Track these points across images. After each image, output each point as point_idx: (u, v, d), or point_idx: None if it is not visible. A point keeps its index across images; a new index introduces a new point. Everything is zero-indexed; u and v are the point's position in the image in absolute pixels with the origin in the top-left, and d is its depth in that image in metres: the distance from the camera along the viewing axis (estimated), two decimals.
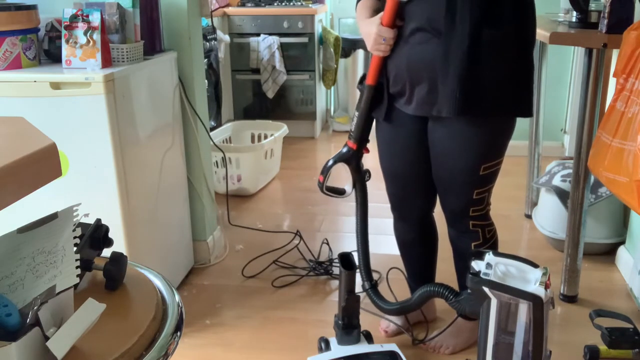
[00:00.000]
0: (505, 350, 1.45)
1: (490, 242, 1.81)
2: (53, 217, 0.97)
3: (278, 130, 3.59)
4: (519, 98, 1.64)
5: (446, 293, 1.59)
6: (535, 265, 1.37)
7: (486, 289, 1.39)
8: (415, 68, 1.62)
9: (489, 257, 1.42)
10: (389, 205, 1.96)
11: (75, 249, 0.92)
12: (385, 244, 2.77)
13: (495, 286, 1.38)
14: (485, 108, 1.59)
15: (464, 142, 1.65)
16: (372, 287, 1.88)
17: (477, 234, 1.78)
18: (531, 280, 1.37)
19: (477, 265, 1.42)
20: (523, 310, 1.37)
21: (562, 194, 2.55)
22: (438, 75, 1.58)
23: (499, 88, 1.59)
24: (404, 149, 1.80)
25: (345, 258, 1.86)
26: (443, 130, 1.67)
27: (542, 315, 1.34)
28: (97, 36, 1.80)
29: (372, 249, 2.64)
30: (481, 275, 1.40)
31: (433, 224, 1.97)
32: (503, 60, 1.57)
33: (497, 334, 1.44)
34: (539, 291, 1.33)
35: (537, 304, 1.33)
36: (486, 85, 1.57)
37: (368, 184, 1.88)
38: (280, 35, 4.29)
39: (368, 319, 2.09)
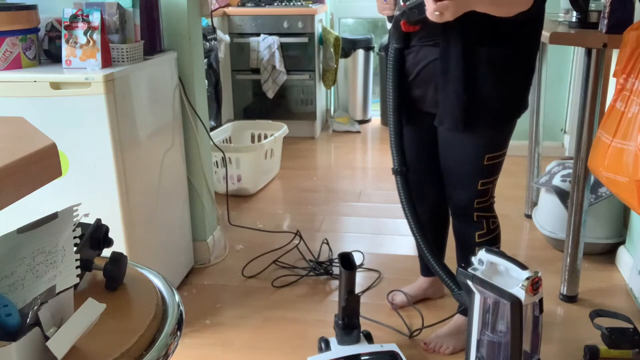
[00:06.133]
0: (490, 347, 1.45)
1: (494, 233, 1.85)
2: (53, 217, 0.97)
3: (278, 130, 3.59)
4: (518, 105, 1.72)
5: (452, 285, 1.61)
6: (524, 268, 1.37)
7: (470, 283, 1.41)
8: (421, 69, 1.70)
9: (482, 253, 1.43)
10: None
11: (75, 249, 0.92)
12: (385, 244, 2.77)
13: (479, 282, 1.39)
14: (485, 121, 1.67)
15: (468, 134, 1.70)
16: (399, 173, 1.77)
17: (481, 224, 1.82)
18: (517, 282, 1.37)
19: (474, 259, 1.44)
20: (506, 310, 1.38)
21: (562, 194, 2.55)
22: (438, 84, 1.67)
23: (499, 103, 1.66)
24: (420, 140, 1.87)
25: (345, 258, 1.85)
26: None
27: (520, 317, 1.34)
28: (97, 36, 1.80)
29: (372, 249, 2.68)
30: (469, 269, 1.41)
31: (446, 209, 2.00)
32: (504, 77, 1.63)
33: (480, 329, 1.45)
34: (519, 293, 1.33)
35: (515, 305, 1.33)
36: (486, 103, 1.64)
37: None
38: (280, 35, 4.29)
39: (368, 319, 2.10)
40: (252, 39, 4.30)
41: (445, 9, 1.43)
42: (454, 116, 1.65)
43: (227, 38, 4.15)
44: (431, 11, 1.45)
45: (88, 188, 1.82)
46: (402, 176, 1.78)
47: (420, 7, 1.51)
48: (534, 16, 1.57)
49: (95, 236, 1.01)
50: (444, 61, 1.62)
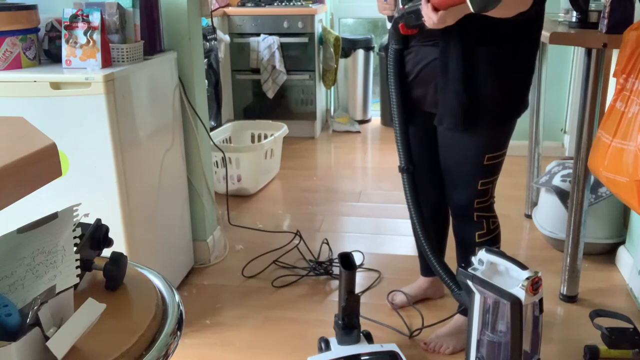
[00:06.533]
0: (490, 347, 1.45)
1: (494, 233, 1.85)
2: (53, 217, 0.97)
3: (278, 130, 3.59)
4: (518, 105, 1.73)
5: (452, 285, 1.62)
6: (524, 268, 1.38)
7: (470, 283, 1.41)
8: (421, 69, 1.71)
9: (482, 253, 1.43)
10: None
11: (75, 249, 0.92)
12: (385, 244, 2.77)
13: (479, 282, 1.39)
14: (485, 121, 1.68)
15: (468, 134, 1.70)
16: (406, 171, 1.80)
17: (481, 224, 1.82)
18: (517, 282, 1.37)
19: (474, 259, 1.44)
20: (506, 310, 1.38)
21: (562, 194, 2.55)
22: (438, 84, 1.67)
23: (499, 103, 1.66)
24: (420, 140, 1.87)
25: (345, 258, 1.85)
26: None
27: (520, 317, 1.35)
28: (97, 36, 1.80)
29: (372, 249, 2.69)
30: (469, 269, 1.41)
31: (446, 210, 2.01)
32: (504, 77, 1.63)
33: (480, 329, 1.45)
34: (519, 293, 1.33)
35: (515, 305, 1.33)
36: (486, 102, 1.65)
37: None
38: (280, 35, 4.29)
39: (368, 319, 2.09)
40: (252, 39, 4.30)
41: (447, 17, 1.44)
42: (454, 116, 1.65)
43: (227, 38, 4.15)
44: (433, 22, 1.45)
45: (88, 188, 1.82)
46: (408, 174, 1.79)
47: (418, 12, 1.51)
48: (534, 16, 1.57)
49: (95, 236, 1.01)
50: (443, 61, 1.62)
